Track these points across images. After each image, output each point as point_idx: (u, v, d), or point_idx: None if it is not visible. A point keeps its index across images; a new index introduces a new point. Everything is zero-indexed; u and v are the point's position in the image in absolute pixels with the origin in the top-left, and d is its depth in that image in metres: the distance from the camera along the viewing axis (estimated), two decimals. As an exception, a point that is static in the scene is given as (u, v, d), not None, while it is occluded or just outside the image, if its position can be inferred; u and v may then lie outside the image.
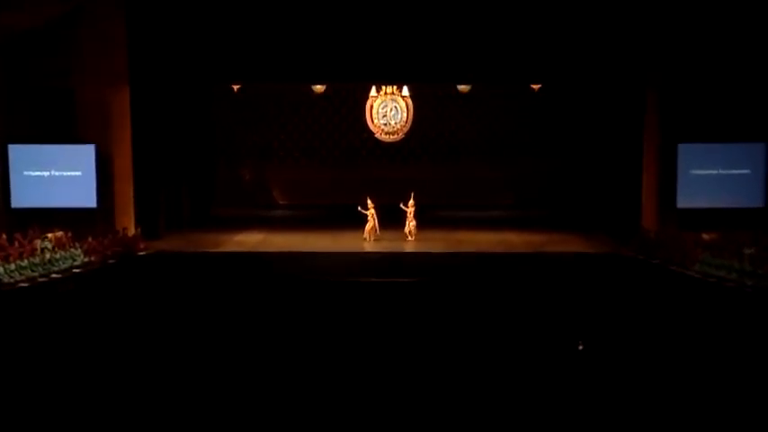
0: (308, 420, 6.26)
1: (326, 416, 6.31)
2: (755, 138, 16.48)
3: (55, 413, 6.36)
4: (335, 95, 20.78)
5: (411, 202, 17.17)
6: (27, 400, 6.62)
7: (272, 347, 8.19)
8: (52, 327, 9.94)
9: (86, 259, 14.14)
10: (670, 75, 16.40)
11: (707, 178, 16.53)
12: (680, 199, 16.53)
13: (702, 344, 8.37)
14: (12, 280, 12.40)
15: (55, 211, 15.92)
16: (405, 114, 18.28)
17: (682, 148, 16.49)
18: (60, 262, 13.56)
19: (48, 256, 13.43)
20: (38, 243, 13.75)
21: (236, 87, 18.39)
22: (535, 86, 18.09)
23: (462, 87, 19.02)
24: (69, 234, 14.74)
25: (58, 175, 16.44)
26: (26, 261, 12.96)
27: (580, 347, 8.16)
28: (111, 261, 14.71)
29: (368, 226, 17.16)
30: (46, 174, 16.43)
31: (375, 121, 18.39)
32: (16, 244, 13.34)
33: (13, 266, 12.63)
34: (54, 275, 13.16)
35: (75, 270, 13.68)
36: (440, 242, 17.21)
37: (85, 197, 16.35)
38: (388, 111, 18.31)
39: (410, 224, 17.21)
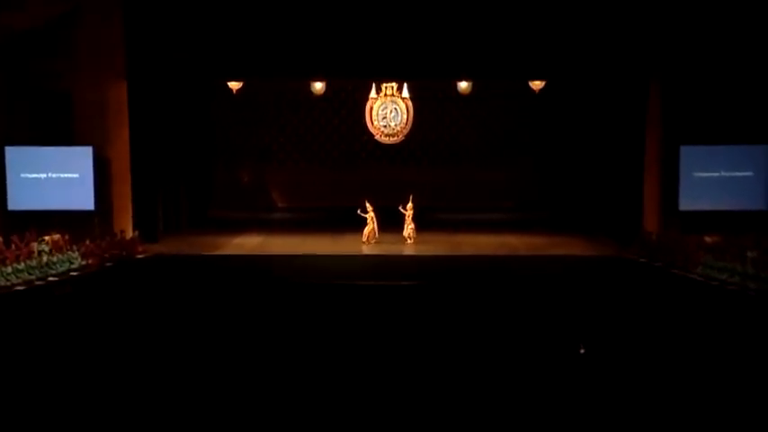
0: (307, 424, 6.22)
1: (325, 419, 6.26)
2: (758, 140, 16.40)
3: (52, 417, 6.31)
4: (335, 97, 20.67)
5: (410, 204, 17.11)
6: (24, 403, 6.55)
7: (272, 351, 8.12)
8: (49, 330, 9.87)
9: (84, 262, 14.05)
10: (673, 75, 16.33)
11: (709, 181, 16.45)
12: (682, 201, 16.46)
13: (705, 347, 8.30)
14: (8, 283, 12.31)
15: (52, 214, 15.83)
16: (405, 116, 18.19)
17: (684, 150, 16.42)
18: (57, 265, 13.47)
19: (45, 258, 13.34)
20: (35, 246, 13.62)
21: (235, 89, 18.29)
22: (536, 87, 18.00)
23: (463, 88, 18.95)
24: (66, 237, 14.60)
25: (56, 178, 16.35)
26: (23, 264, 12.85)
27: (581, 351, 8.06)
28: (108, 264, 14.64)
29: (367, 229, 17.10)
30: (43, 176, 16.34)
31: (375, 123, 18.29)
32: (13, 247, 13.22)
33: (9, 269, 12.53)
34: (51, 278, 13.06)
35: (72, 273, 13.59)
36: (440, 245, 17.15)
37: (83, 200, 16.25)
38: (388, 113, 18.21)
39: (409, 227, 17.14)
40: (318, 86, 19.08)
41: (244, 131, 21.47)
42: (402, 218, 17.19)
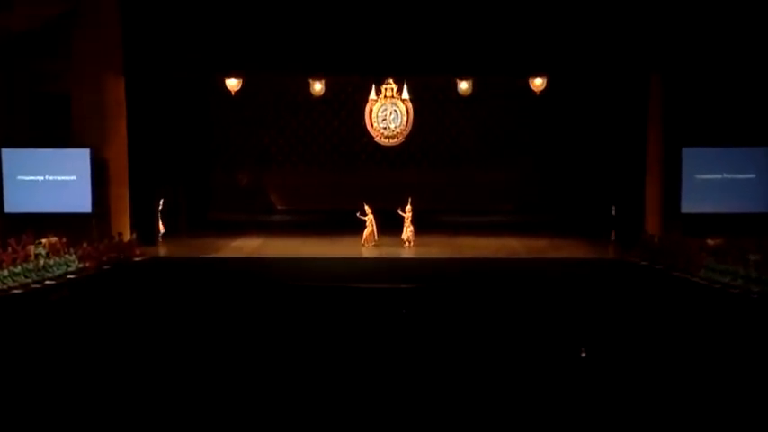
0: (306, 427, 6.19)
1: (325, 423, 6.23)
2: (761, 142, 16.35)
3: (50, 421, 6.27)
4: (334, 99, 20.64)
5: (408, 207, 17.02)
6: (21, 407, 6.49)
7: (271, 354, 8.06)
8: (46, 334, 9.80)
9: (81, 265, 13.99)
10: (675, 75, 16.31)
11: (711, 183, 16.42)
12: (684, 204, 16.41)
13: (707, 351, 8.22)
14: (5, 286, 12.27)
15: (49, 217, 15.72)
16: (404, 118, 18.09)
17: (686, 152, 16.38)
18: (54, 268, 13.41)
19: (42, 262, 13.28)
20: (31, 249, 13.59)
21: (233, 90, 18.22)
22: (536, 89, 17.93)
23: (463, 90, 18.90)
24: (64, 240, 14.57)
25: (53, 180, 16.29)
26: (19, 267, 12.79)
27: (583, 355, 8.00)
28: (106, 267, 14.57)
29: (366, 232, 17.04)
30: (40, 178, 16.28)
31: (374, 124, 18.20)
32: (9, 250, 13.18)
33: (6, 273, 12.49)
34: (48, 282, 13.01)
35: (69, 276, 13.52)
36: (440, 247, 17.10)
37: (80, 202, 16.18)
38: (388, 114, 18.11)
39: (407, 230, 17.06)
40: (318, 88, 19.03)
41: (242, 133, 21.41)
42: (401, 221, 17.11)
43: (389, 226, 17.29)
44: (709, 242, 14.66)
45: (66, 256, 13.93)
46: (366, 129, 18.43)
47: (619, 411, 6.36)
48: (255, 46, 16.40)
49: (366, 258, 16.26)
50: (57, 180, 16.29)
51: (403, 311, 10.45)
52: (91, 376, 7.33)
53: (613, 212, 17.62)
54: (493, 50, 16.39)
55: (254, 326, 9.69)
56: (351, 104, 20.53)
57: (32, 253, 13.45)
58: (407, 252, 16.71)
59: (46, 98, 16.60)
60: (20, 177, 16.26)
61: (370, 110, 18.21)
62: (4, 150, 16.22)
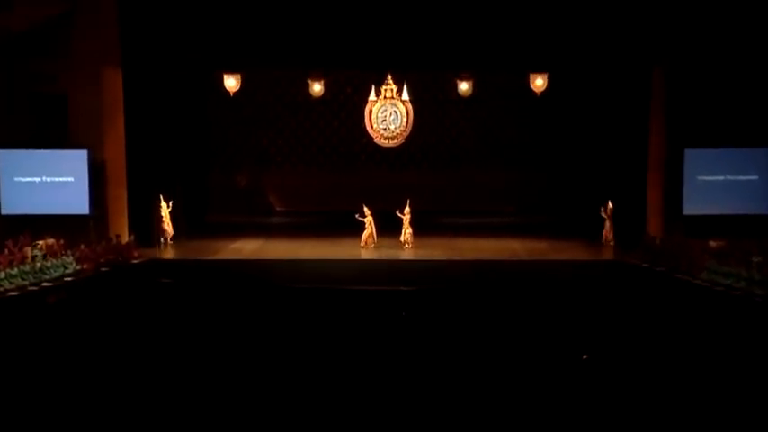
0: (305, 429, 6.14)
1: (323, 425, 6.18)
2: (763, 143, 16.30)
3: (47, 426, 6.20)
4: (334, 99, 20.59)
5: (407, 209, 16.96)
6: (17, 412, 6.39)
7: (269, 356, 7.96)
8: (43, 337, 9.67)
9: (78, 267, 13.92)
10: (677, 75, 16.25)
11: (714, 184, 16.36)
12: (686, 205, 16.35)
13: (709, 354, 8.11)
14: (1, 289, 12.19)
15: (46, 218, 15.62)
16: (404, 119, 18.00)
17: (688, 153, 16.31)
18: (51, 270, 13.34)
19: (38, 264, 13.20)
20: (28, 251, 13.49)
21: (232, 91, 18.15)
22: (537, 90, 17.88)
23: (463, 90, 18.85)
24: (61, 241, 14.50)
25: (50, 181, 16.21)
26: (16, 269, 12.71)
27: (584, 357, 7.91)
28: (103, 269, 14.48)
29: (365, 233, 16.97)
30: (37, 180, 16.20)
31: (374, 125, 18.10)
32: (6, 252, 13.08)
33: (2, 275, 12.42)
34: (45, 284, 12.93)
35: (66, 278, 13.45)
36: (441, 249, 17.02)
37: (78, 204, 16.10)
38: (388, 115, 18.02)
39: (406, 232, 16.98)
40: (317, 89, 18.98)
41: (241, 134, 21.35)
42: (400, 222, 17.05)
43: (389, 228, 17.21)
44: (712, 244, 14.60)
45: (64, 258, 13.86)
46: (365, 130, 18.36)
47: (621, 415, 6.28)
48: (254, 42, 16.31)
49: (366, 260, 16.19)
50: (54, 181, 16.21)
51: (403, 314, 10.36)
52: (88, 380, 7.21)
53: (602, 214, 17.59)
54: (494, 43, 16.31)
55: (252, 328, 9.59)
56: (350, 105, 20.47)
57: (29, 255, 13.36)
58: (407, 254, 16.65)
59: (43, 98, 16.53)
60: (17, 179, 16.18)
61: (370, 111, 18.13)
62: (0, 151, 16.15)
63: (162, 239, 17.60)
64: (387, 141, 18.34)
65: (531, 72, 17.89)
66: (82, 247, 14.45)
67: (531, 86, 17.93)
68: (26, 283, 12.68)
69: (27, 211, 15.90)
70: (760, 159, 16.37)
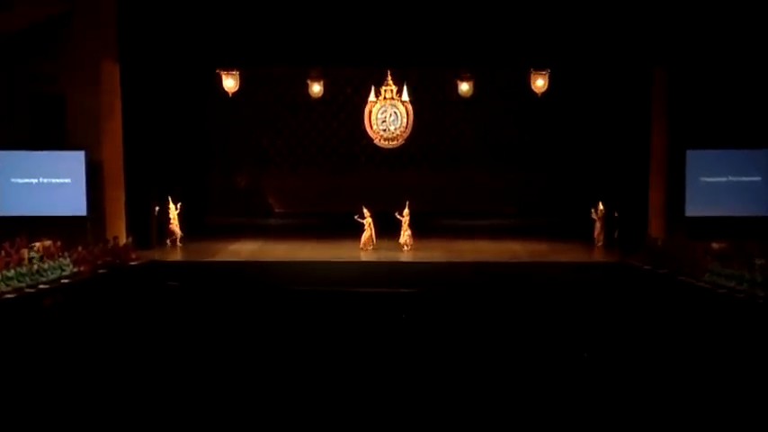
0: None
1: (323, 429, 6.15)
2: (766, 144, 16.22)
3: (42, 428, 6.17)
4: (333, 100, 20.53)
5: (406, 211, 16.91)
6: (14, 415, 6.35)
7: (268, 359, 7.91)
8: (40, 339, 9.63)
9: (76, 269, 13.85)
10: (679, 74, 16.18)
11: (716, 186, 16.31)
12: (688, 207, 16.29)
13: (712, 357, 8.07)
14: (-3, 291, 12.11)
15: (43, 220, 15.53)
16: (404, 120, 17.96)
17: (690, 154, 16.25)
18: (48, 272, 13.26)
19: (35, 266, 13.13)
20: (25, 253, 13.44)
21: (231, 92, 18.08)
22: (538, 90, 17.81)
23: (463, 90, 18.79)
24: (58, 243, 14.46)
25: (47, 183, 16.11)
26: (13, 271, 12.63)
27: (585, 357, 7.89)
28: (101, 271, 14.42)
29: (365, 235, 16.94)
30: (34, 181, 16.11)
31: (374, 126, 18.06)
32: (3, 254, 13.01)
33: (-1, 277, 12.36)
34: (42, 286, 12.85)
35: (63, 281, 13.37)
36: (441, 251, 16.99)
37: (75, 205, 15.99)
38: (388, 116, 17.98)
39: (405, 234, 16.93)
40: (316, 89, 18.94)
41: (240, 135, 21.32)
42: (399, 224, 16.99)
43: (389, 229, 17.17)
44: (714, 246, 14.59)
45: (61, 260, 13.80)
46: (365, 131, 18.31)
47: (623, 417, 6.24)
48: (253, 38, 16.28)
49: (366, 262, 16.17)
50: (51, 182, 16.12)
51: (403, 316, 10.30)
52: (85, 383, 7.17)
53: (593, 215, 17.57)
54: (495, 39, 16.25)
55: (251, 331, 9.54)
56: (350, 106, 20.41)
57: (26, 257, 13.32)
58: (406, 256, 16.61)
59: (41, 98, 16.49)
60: (14, 180, 16.11)
61: (370, 111, 18.09)
62: (-3, 152, 16.10)
63: (169, 241, 17.62)
64: (386, 142, 18.31)
65: (531, 68, 17.80)
66: (79, 248, 14.38)
67: (532, 87, 17.89)
68: (23, 285, 12.58)
69: (24, 213, 15.78)
70: (762, 160, 16.32)
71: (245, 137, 21.31)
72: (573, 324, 9.80)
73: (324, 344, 8.56)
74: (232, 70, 17.90)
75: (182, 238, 17.88)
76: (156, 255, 16.49)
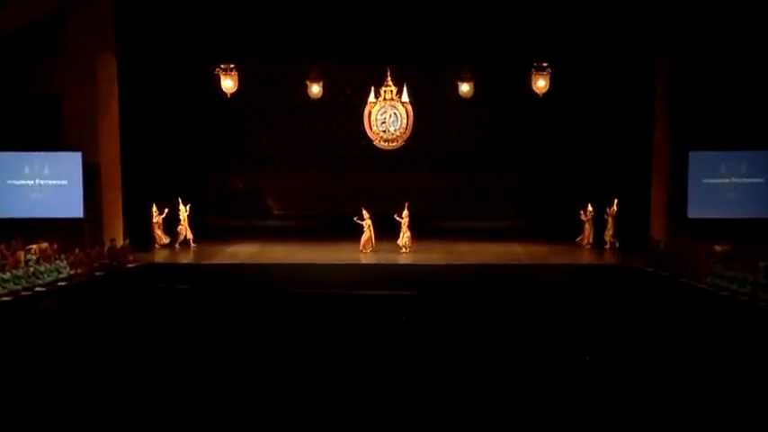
0: None
1: (324, 429, 6.13)
2: (768, 145, 16.22)
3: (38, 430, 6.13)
4: (332, 101, 20.46)
5: (405, 212, 16.85)
6: (10, 418, 6.33)
7: (267, 362, 7.87)
8: (36, 342, 9.56)
9: (72, 272, 13.85)
10: (681, 77, 16.12)
11: (719, 187, 16.29)
12: (691, 209, 16.26)
13: (714, 360, 8.01)
14: (-6, 293, 12.09)
15: (40, 222, 15.56)
16: (404, 121, 17.89)
17: (693, 155, 16.22)
18: (45, 275, 13.25)
19: (32, 268, 13.13)
20: (21, 255, 13.46)
21: (229, 93, 18.00)
22: (539, 91, 17.74)
23: (464, 91, 18.72)
24: (55, 245, 14.43)
25: (44, 184, 16.08)
26: (9, 274, 12.63)
27: (587, 359, 7.83)
28: (98, 274, 14.39)
29: (364, 237, 16.88)
30: (30, 182, 16.07)
31: (374, 128, 18.00)
32: (-1, 256, 13.01)
33: (-5, 279, 12.33)
34: (38, 289, 12.85)
35: (60, 283, 13.36)
36: (442, 253, 16.94)
37: (72, 207, 15.96)
38: (387, 117, 17.91)
39: (404, 236, 16.87)
40: (315, 90, 18.87)
41: (239, 136, 21.25)
42: (399, 226, 16.93)
43: (389, 231, 17.11)
44: (717, 248, 14.56)
45: (57, 262, 13.79)
46: (365, 132, 18.24)
47: (626, 420, 6.21)
48: (251, 34, 16.21)
49: (365, 264, 16.13)
50: (48, 184, 16.10)
51: (402, 319, 10.24)
52: (82, 387, 7.11)
53: (582, 217, 17.52)
54: (495, 36, 16.19)
55: (249, 334, 9.49)
56: (349, 107, 20.34)
57: (22, 259, 13.33)
58: (406, 258, 16.56)
59: (37, 99, 16.50)
60: (10, 181, 16.09)
61: (369, 113, 18.02)
62: (-6, 154, 16.06)
63: (178, 243, 17.60)
64: (386, 144, 18.24)
65: (532, 65, 17.68)
66: (76, 251, 14.36)
67: (533, 88, 17.80)
68: (19, 287, 12.57)
69: (20, 215, 15.78)
70: (765, 162, 16.30)
71: (244, 138, 21.23)
72: (574, 327, 9.76)
73: (323, 346, 8.52)
74: (230, 68, 17.79)
75: (193, 239, 17.88)
76: (153, 257, 16.45)
